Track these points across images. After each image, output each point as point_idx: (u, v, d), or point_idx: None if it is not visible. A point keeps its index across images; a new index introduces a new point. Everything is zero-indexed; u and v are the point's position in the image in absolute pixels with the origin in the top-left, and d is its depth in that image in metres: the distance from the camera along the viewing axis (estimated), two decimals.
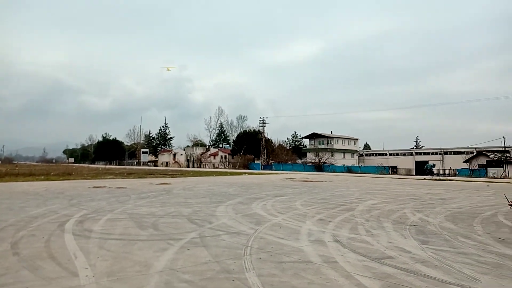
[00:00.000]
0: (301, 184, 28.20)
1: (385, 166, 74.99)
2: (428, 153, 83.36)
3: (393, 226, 9.53)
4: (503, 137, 61.43)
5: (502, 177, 51.93)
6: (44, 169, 51.12)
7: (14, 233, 7.98)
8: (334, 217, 10.82)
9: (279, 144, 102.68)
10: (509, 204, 4.66)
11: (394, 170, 73.50)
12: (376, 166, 73.76)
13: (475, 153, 67.99)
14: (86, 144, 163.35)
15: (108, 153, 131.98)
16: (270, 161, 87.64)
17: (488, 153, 64.47)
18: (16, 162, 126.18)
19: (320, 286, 4.77)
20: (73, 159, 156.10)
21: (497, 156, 61.42)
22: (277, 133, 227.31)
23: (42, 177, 32.85)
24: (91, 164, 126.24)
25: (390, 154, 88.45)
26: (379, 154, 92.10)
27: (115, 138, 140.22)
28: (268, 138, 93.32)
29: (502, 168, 56.19)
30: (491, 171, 56.79)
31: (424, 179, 42.65)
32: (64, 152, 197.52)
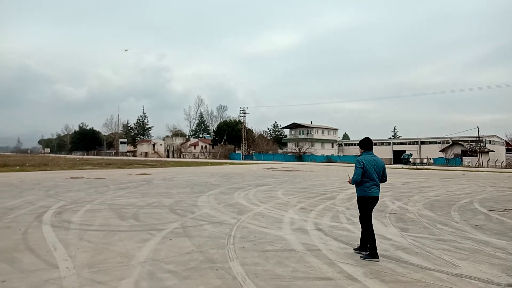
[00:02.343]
0: (282, 173, 28.36)
1: None
2: (405, 143, 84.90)
3: (373, 214, 9.65)
4: (477, 127, 63.05)
5: (477, 166, 53.60)
6: (19, 159, 49.82)
7: None
8: (315, 206, 10.92)
9: (260, 134, 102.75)
10: (348, 181, 6.04)
11: None
12: (355, 156, 74.81)
13: (450, 143, 69.74)
14: (62, 134, 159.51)
15: (85, 143, 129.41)
16: (251, 151, 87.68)
17: (463, 143, 66.27)
18: None
19: (304, 274, 4.80)
20: (49, 149, 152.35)
21: (471, 146, 63.23)
22: (258, 123, 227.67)
23: (17, 168, 31.97)
24: (68, 154, 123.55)
25: None
26: (358, 144, 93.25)
27: (92, 128, 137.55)
28: (249, 128, 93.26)
29: (476, 157, 57.93)
30: (466, 160, 58.51)
31: (402, 168, 43.59)
32: (40, 142, 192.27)
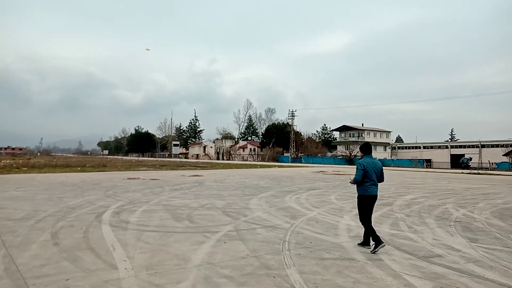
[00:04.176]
0: (333, 177, 27.70)
1: (419, 159, 72.79)
2: (464, 146, 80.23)
3: (437, 222, 9.06)
4: None
5: None
6: (80, 161, 52.82)
7: (54, 223, 8.11)
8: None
9: (309, 137, 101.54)
10: (350, 182, 6.73)
11: (428, 163, 71.23)
12: (410, 160, 71.72)
13: None
14: (119, 137, 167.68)
15: (140, 146, 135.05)
16: (300, 154, 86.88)
17: None
18: (53, 154, 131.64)
19: (367, 286, 4.49)
20: (107, 151, 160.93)
21: None
22: (306, 126, 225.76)
23: (78, 168, 33.87)
24: (124, 156, 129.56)
25: (424, 147, 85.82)
26: (412, 147, 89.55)
27: (147, 131, 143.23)
28: (297, 131, 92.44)
29: None
30: None
31: (462, 173, 41.06)
32: (99, 144, 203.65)
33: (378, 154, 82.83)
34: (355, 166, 6.53)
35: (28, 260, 5.35)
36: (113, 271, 4.88)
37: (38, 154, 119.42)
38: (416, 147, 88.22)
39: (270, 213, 9.90)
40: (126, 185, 17.58)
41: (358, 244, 6.48)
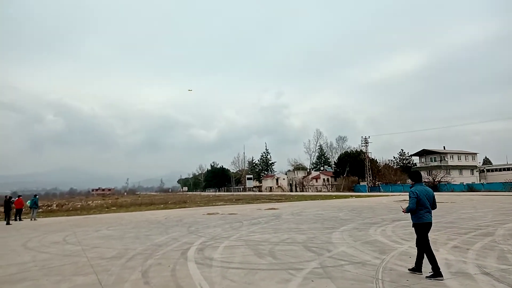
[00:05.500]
0: None
1: None
2: None
3: None
4: None
5: None
6: (163, 198, 55.61)
7: (143, 261, 8.41)
8: (471, 243, 9.39)
9: (385, 164, 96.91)
10: (402, 211, 6.52)
11: None
12: (503, 183, 64.92)
13: None
14: (197, 173, 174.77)
15: (216, 181, 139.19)
16: (377, 182, 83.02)
17: None
18: (138, 193, 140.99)
19: None
20: (186, 187, 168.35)
21: None
22: (381, 152, 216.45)
23: (162, 206, 35.61)
24: (202, 191, 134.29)
25: None
26: (504, 169, 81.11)
27: (222, 166, 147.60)
28: (372, 158, 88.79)
29: None
30: None
31: None
32: (178, 181, 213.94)
33: (465, 178, 76.31)
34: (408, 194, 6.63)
35: None
36: None
37: (125, 193, 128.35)
38: (508, 169, 79.79)
39: (355, 248, 9.36)
40: (206, 221, 17.96)
41: (409, 269, 6.60)
